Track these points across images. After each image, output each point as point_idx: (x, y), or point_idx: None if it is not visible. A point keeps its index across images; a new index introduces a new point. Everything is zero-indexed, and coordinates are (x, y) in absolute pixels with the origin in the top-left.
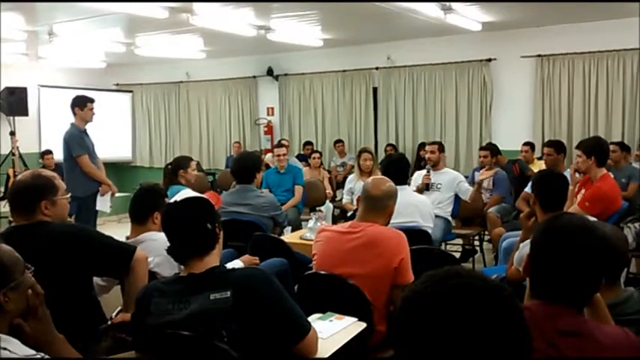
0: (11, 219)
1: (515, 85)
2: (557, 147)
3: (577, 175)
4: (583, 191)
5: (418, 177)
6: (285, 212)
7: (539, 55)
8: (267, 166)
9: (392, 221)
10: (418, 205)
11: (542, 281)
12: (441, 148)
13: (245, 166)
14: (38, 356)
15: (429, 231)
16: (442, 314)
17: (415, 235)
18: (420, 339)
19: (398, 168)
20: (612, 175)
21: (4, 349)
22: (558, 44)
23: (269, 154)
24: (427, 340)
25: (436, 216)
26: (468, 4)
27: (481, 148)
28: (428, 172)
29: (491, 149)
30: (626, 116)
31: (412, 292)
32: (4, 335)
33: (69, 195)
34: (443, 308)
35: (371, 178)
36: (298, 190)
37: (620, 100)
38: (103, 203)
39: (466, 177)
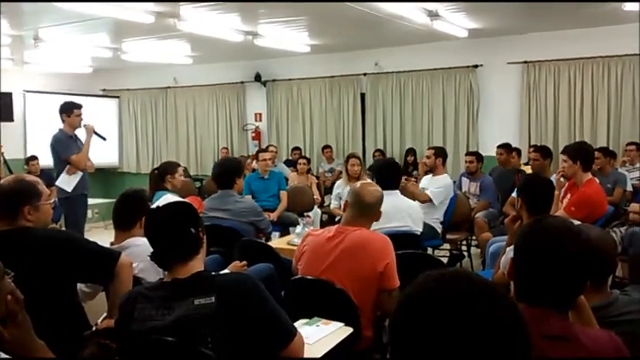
0: None
1: (502, 91)
2: (543, 152)
3: (562, 180)
4: (569, 196)
5: (423, 181)
6: (269, 219)
7: (525, 62)
8: (254, 171)
9: (385, 226)
10: (408, 210)
11: (525, 284)
12: (439, 153)
13: (225, 171)
14: None
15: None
16: (448, 318)
17: (408, 239)
18: (421, 342)
19: (391, 172)
20: (598, 181)
21: None
22: (544, 51)
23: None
24: (429, 343)
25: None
26: (454, 9)
27: (467, 154)
28: (415, 178)
29: (477, 154)
30: (611, 122)
31: (415, 291)
32: None
33: (52, 200)
34: (450, 312)
35: (360, 183)
36: (284, 195)
37: (605, 105)
38: (67, 183)
39: (453, 182)
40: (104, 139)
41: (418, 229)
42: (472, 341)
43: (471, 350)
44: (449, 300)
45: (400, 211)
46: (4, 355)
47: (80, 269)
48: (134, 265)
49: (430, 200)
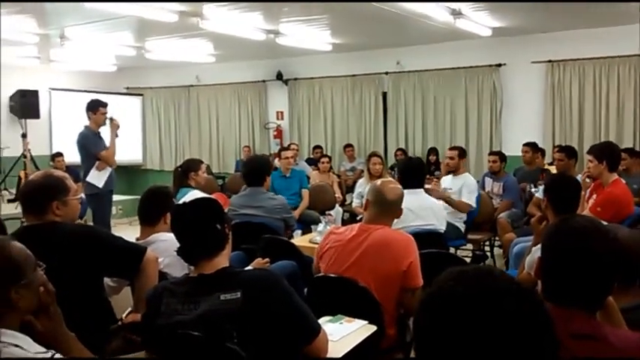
0: (23, 220)
1: (526, 90)
2: (568, 152)
3: (587, 180)
4: (594, 197)
5: (445, 181)
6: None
7: (549, 61)
8: (275, 169)
9: (410, 224)
10: (433, 208)
11: (553, 284)
12: (462, 153)
13: (256, 169)
14: (49, 354)
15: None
16: (474, 315)
17: (433, 237)
18: (447, 339)
19: (416, 171)
20: (624, 181)
21: (16, 345)
22: (569, 50)
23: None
24: (454, 340)
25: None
26: (478, 8)
27: (490, 153)
28: (437, 178)
29: (500, 154)
30: (638, 121)
31: (438, 288)
32: (16, 332)
33: (80, 196)
34: (476, 309)
35: (380, 181)
36: (306, 193)
37: (632, 105)
38: (97, 178)
39: (477, 182)
40: (117, 135)
41: (442, 227)
42: (498, 337)
43: (497, 346)
44: (474, 297)
45: (425, 209)
46: (58, 355)
47: (107, 264)
48: (160, 260)
49: (469, 205)
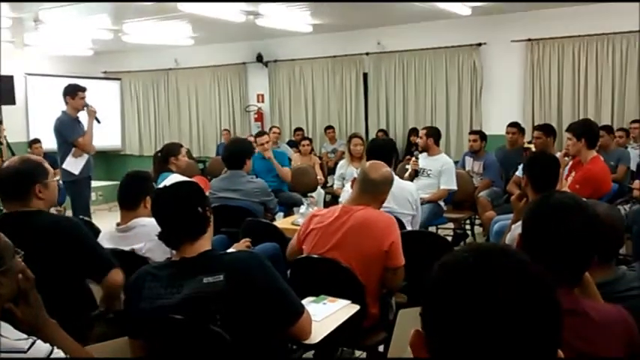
0: (1, 207)
1: (506, 69)
2: (546, 130)
3: (566, 158)
4: (573, 174)
5: (421, 160)
6: (276, 199)
7: (529, 40)
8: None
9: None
10: (393, 191)
11: (534, 259)
12: (431, 132)
13: (235, 152)
14: (30, 340)
15: (404, 218)
16: (485, 291)
17: None
18: (452, 309)
19: (381, 152)
20: (602, 158)
21: None
22: (548, 28)
23: None
24: (460, 311)
25: (427, 201)
26: None
27: (470, 132)
28: (416, 158)
29: (481, 133)
30: (615, 99)
31: (454, 259)
32: None
33: (57, 178)
34: (483, 283)
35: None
36: (287, 171)
37: (610, 83)
38: (73, 165)
39: (456, 162)
40: (99, 121)
41: (403, 211)
42: (501, 314)
43: (498, 323)
44: (484, 270)
45: None
46: (39, 342)
47: (75, 263)
48: (141, 245)
49: (449, 190)
